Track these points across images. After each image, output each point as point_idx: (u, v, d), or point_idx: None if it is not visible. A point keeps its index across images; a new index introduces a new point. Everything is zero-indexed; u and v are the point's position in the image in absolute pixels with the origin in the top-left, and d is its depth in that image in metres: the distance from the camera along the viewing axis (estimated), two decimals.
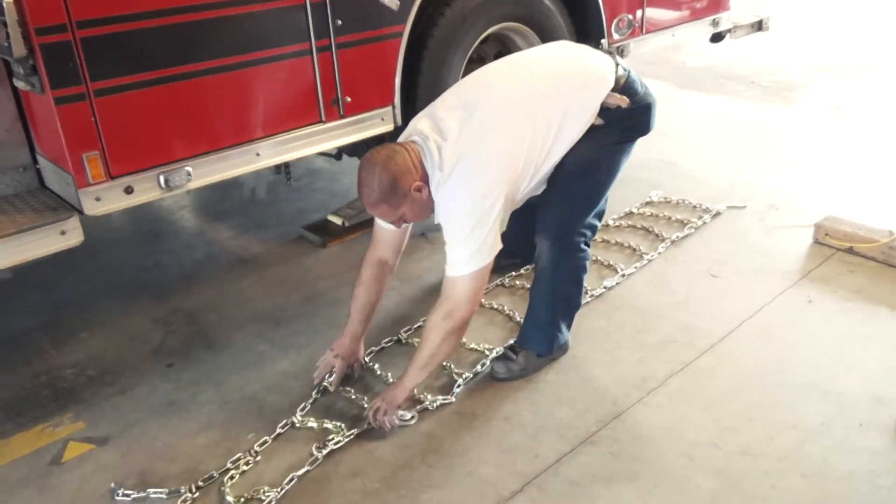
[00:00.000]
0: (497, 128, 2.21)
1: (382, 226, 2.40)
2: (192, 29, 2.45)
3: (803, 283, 3.00)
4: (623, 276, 3.11)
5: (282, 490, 2.11)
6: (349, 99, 2.89)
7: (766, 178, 3.98)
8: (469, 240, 2.15)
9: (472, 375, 2.55)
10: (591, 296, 2.96)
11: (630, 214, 3.65)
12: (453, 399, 2.44)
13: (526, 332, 2.58)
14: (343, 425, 2.33)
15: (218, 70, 2.51)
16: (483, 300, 2.99)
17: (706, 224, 3.52)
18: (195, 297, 3.14)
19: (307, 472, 2.17)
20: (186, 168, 2.52)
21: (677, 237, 3.39)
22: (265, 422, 2.39)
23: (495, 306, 2.93)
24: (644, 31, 3.93)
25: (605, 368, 2.57)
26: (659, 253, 3.28)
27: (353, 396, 2.46)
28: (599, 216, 2.58)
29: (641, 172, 4.13)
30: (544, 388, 2.49)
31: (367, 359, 2.65)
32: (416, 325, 2.83)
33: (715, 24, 4.40)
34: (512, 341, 2.61)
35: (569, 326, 2.62)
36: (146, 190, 2.47)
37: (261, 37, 2.60)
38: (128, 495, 2.12)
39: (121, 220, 3.94)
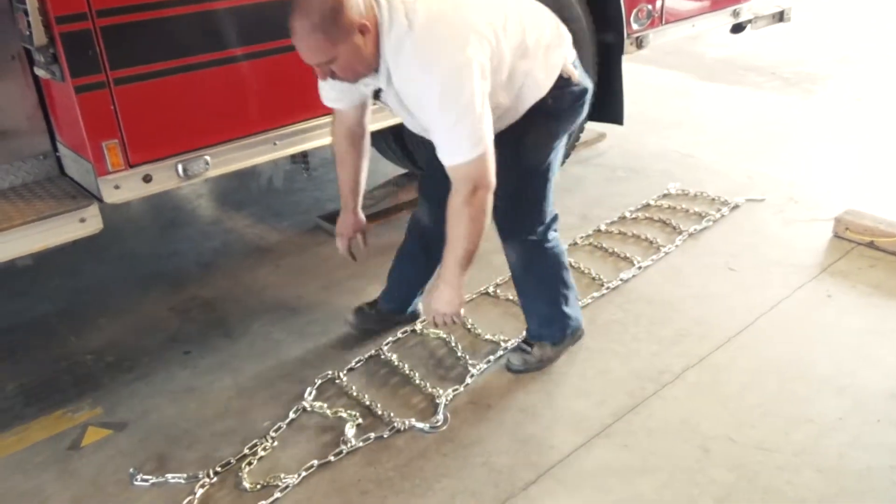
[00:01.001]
0: (477, 6, 2.00)
1: (335, 106, 2.29)
2: (211, 18, 2.46)
3: (822, 278, 2.97)
4: (640, 268, 3.10)
5: (298, 476, 2.12)
6: None
7: (785, 171, 3.94)
8: (467, 115, 1.89)
9: (485, 366, 2.55)
10: (608, 288, 2.96)
11: (647, 206, 3.63)
12: (462, 389, 2.44)
13: (533, 330, 2.55)
14: (357, 413, 2.35)
15: (236, 59, 2.52)
16: (498, 292, 2.99)
17: (724, 217, 3.49)
18: (212, 286, 3.16)
19: (322, 460, 2.19)
20: (204, 157, 2.54)
21: (695, 230, 3.37)
22: (281, 409, 2.40)
23: (511, 298, 2.93)
24: (663, 22, 3.90)
25: (620, 361, 2.56)
26: (676, 245, 3.26)
27: (356, 393, 2.46)
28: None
29: (659, 164, 4.11)
30: (560, 379, 2.49)
31: (385, 347, 2.66)
32: None
33: (735, 14, 4.35)
34: (525, 334, 2.61)
35: (574, 307, 2.54)
36: (164, 178, 2.49)
37: (279, 26, 2.59)
38: (146, 480, 2.14)
39: (139, 209, 3.97)
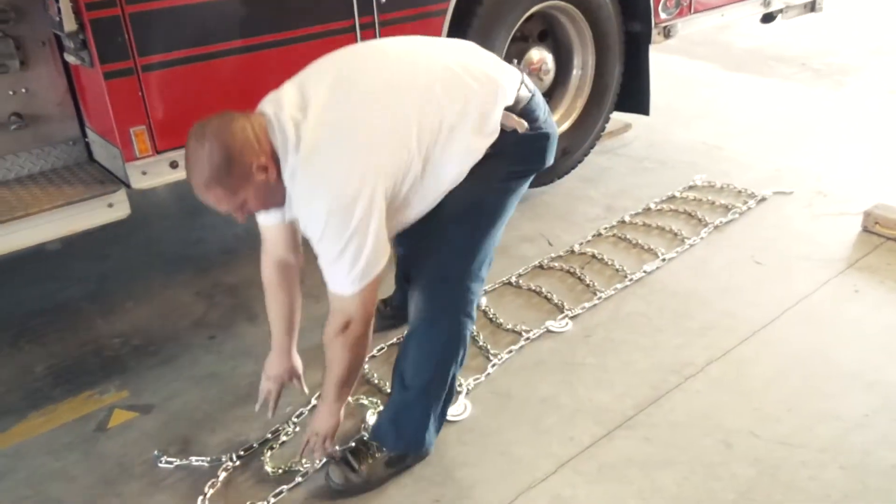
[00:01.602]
0: (377, 107, 1.77)
1: (264, 223, 2.03)
2: (237, 5, 2.47)
3: (850, 273, 2.93)
4: (664, 260, 3.07)
5: (320, 462, 2.14)
6: None
7: (814, 164, 3.88)
8: (348, 252, 1.72)
9: (507, 356, 2.55)
10: (631, 279, 2.94)
11: (672, 198, 3.60)
12: (483, 378, 2.44)
13: (383, 422, 2.13)
14: (378, 401, 2.36)
15: (262, 46, 2.53)
16: (520, 282, 2.98)
17: (751, 209, 3.45)
18: (236, 272, 3.19)
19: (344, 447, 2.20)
20: None
21: (720, 222, 3.33)
22: (303, 396, 2.42)
23: (533, 287, 2.92)
24: (692, 11, 3.85)
25: (643, 353, 2.55)
26: (701, 238, 3.23)
27: (377, 381, 2.47)
28: (487, 266, 2.09)
29: (685, 155, 4.07)
30: (581, 370, 2.48)
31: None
32: None
33: (766, 4, 4.29)
34: (355, 441, 2.15)
35: (438, 422, 2.14)
36: None
37: (305, 13, 2.61)
38: (170, 462, 2.17)
39: (165, 195, 4.00)
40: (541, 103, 1.99)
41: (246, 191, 1.74)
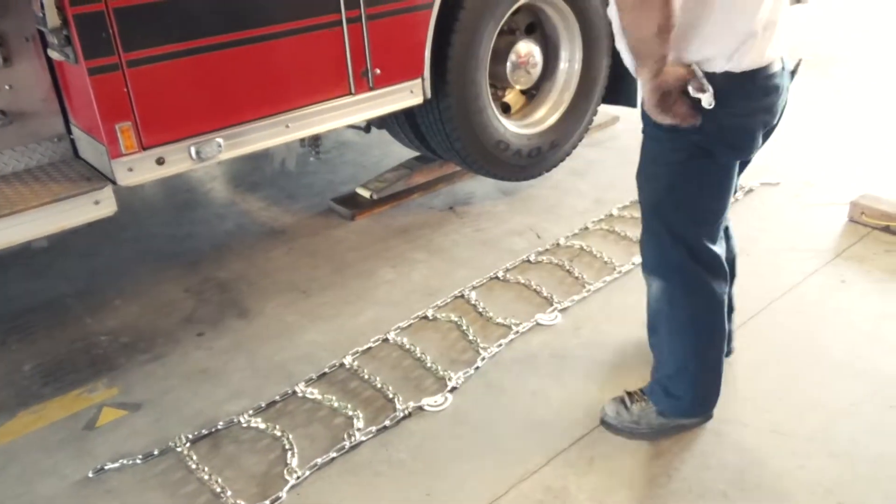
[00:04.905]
0: None
1: None
2: (223, 0, 2.46)
3: (837, 263, 2.95)
4: None
5: (314, 465, 2.13)
6: (379, 71, 2.88)
7: (801, 154, 3.90)
8: None
9: (497, 349, 2.55)
10: (620, 272, 2.95)
11: None
12: (472, 372, 2.45)
13: (654, 381, 2.18)
14: (349, 406, 2.33)
15: (249, 41, 2.52)
16: (508, 276, 2.99)
17: (738, 201, 3.46)
18: (226, 267, 3.18)
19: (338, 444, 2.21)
20: (217, 140, 2.54)
21: None
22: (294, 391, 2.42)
23: (522, 281, 2.93)
24: None
25: (634, 345, 2.55)
26: None
27: (367, 376, 2.47)
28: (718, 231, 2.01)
29: None
30: (572, 363, 2.49)
31: (394, 333, 2.65)
32: (443, 301, 2.84)
33: None
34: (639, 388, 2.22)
35: (713, 388, 2.13)
36: (178, 161, 2.50)
37: (292, 8, 2.60)
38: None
39: (153, 191, 3.99)
40: (782, 94, 1.91)
41: None
